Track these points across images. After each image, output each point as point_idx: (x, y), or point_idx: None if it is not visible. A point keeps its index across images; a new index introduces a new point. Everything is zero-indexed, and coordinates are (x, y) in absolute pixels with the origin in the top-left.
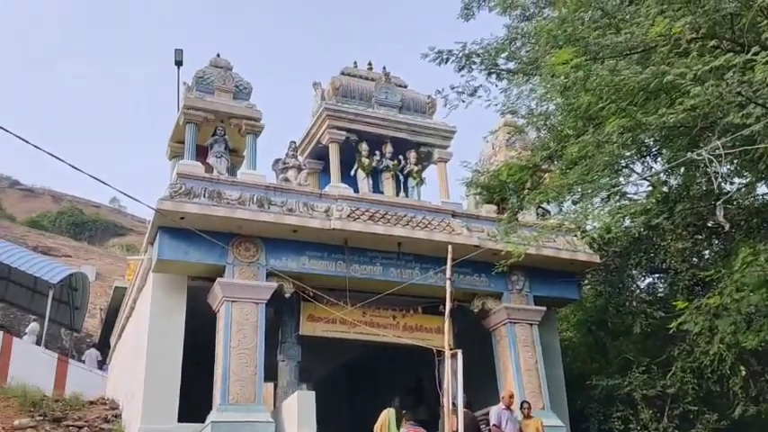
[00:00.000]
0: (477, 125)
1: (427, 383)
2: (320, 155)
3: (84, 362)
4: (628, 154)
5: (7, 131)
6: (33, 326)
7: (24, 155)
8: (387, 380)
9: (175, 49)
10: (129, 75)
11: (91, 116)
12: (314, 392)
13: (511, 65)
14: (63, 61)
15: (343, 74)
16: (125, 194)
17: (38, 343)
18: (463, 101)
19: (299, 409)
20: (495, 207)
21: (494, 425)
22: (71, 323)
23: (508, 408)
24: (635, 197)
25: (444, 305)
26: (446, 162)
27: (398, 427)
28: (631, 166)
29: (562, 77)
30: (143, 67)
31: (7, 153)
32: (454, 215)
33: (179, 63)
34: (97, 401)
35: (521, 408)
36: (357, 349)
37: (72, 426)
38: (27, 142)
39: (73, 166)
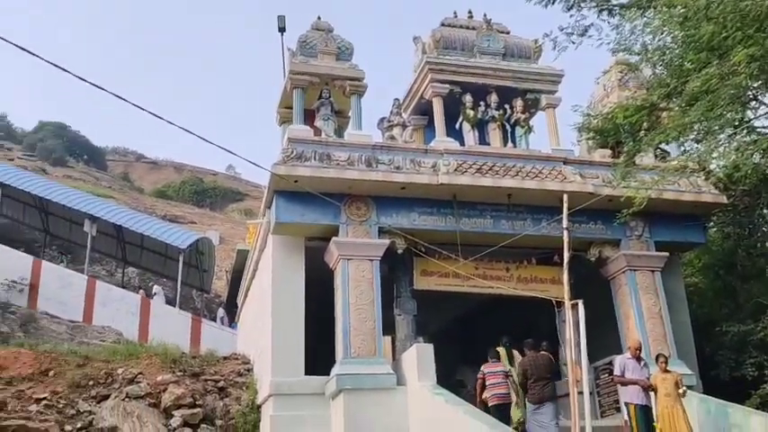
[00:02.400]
0: (585, 67)
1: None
2: (424, 110)
3: (215, 320)
4: (756, 85)
5: (142, 109)
6: (157, 288)
7: (147, 129)
8: (501, 331)
9: (278, 16)
10: (234, 43)
11: (201, 89)
12: (431, 345)
13: None
14: (169, 32)
15: (443, 25)
16: (249, 161)
17: (167, 303)
18: (573, 42)
19: (419, 360)
20: (609, 151)
21: (616, 374)
22: (201, 285)
23: (635, 358)
24: (765, 131)
25: (560, 255)
26: (555, 108)
27: (510, 362)
28: (760, 97)
29: (680, 8)
30: (247, 34)
31: (132, 129)
32: (566, 162)
33: (282, 30)
34: (230, 357)
35: (656, 361)
36: (471, 302)
37: (209, 380)
38: (160, 118)
39: (203, 139)
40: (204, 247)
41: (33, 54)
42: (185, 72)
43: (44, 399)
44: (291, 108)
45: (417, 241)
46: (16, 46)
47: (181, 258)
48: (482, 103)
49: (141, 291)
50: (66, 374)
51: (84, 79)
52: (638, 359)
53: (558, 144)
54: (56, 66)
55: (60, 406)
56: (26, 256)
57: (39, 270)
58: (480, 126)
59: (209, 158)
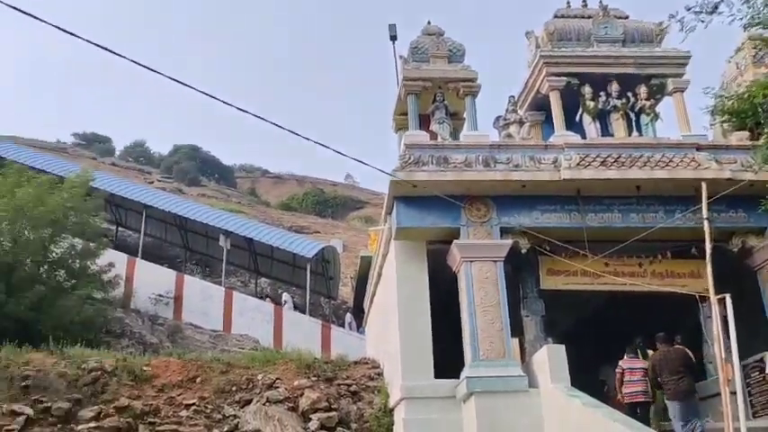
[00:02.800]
0: (713, 47)
1: (682, 331)
2: (541, 105)
3: (343, 326)
4: None
5: (280, 127)
6: (286, 296)
7: (269, 145)
8: (636, 330)
9: (389, 25)
10: (347, 57)
11: (316, 101)
12: (563, 345)
13: None
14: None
15: (556, 17)
16: (373, 167)
17: (295, 310)
18: (702, 21)
19: (550, 362)
20: (747, 134)
21: None
22: (328, 292)
23: None
24: None
25: (698, 248)
26: (683, 91)
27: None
28: None
29: None
30: (358, 47)
31: (257, 145)
32: (699, 148)
33: (393, 38)
34: (360, 361)
35: None
36: (602, 300)
37: (342, 384)
38: (296, 134)
39: (339, 152)
40: (329, 255)
41: (177, 80)
42: (298, 85)
43: (193, 404)
44: (406, 114)
45: (542, 239)
46: (159, 73)
47: (308, 267)
48: (602, 93)
49: (268, 299)
50: (212, 381)
51: (227, 102)
52: None
53: (689, 130)
54: (207, 94)
55: (208, 411)
56: (170, 271)
57: (182, 284)
58: (602, 117)
59: (328, 170)
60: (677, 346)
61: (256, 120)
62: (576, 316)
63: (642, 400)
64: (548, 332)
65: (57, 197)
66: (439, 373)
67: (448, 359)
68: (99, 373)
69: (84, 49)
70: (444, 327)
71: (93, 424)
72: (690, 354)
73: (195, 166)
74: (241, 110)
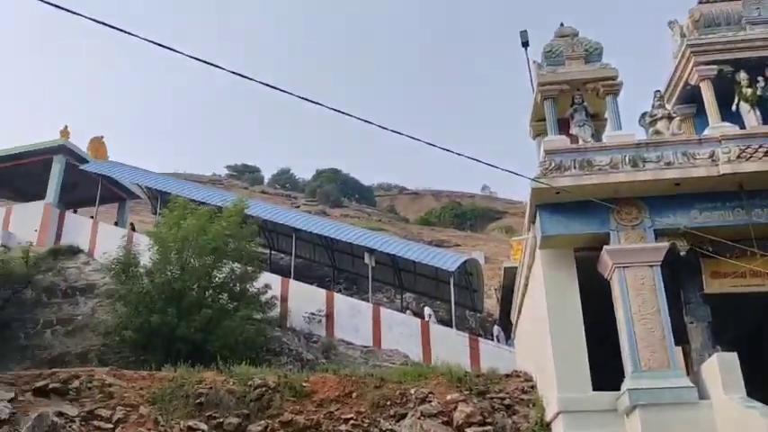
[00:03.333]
0: None
1: None
2: (690, 97)
3: (491, 339)
4: None
5: (420, 141)
6: (428, 310)
7: (404, 163)
8: None
9: (520, 32)
10: (479, 67)
11: (447, 114)
12: (735, 353)
13: None
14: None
15: (701, 2)
16: (520, 175)
17: (439, 323)
18: None
19: (722, 371)
20: None
21: None
22: (472, 305)
23: None
24: None
25: None
26: None
27: None
28: None
29: None
30: (488, 58)
31: (394, 163)
32: None
33: (525, 44)
34: (512, 374)
35: None
36: None
37: (495, 398)
38: (438, 147)
39: (478, 160)
40: (472, 267)
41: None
42: (430, 99)
43: (351, 419)
44: (544, 120)
45: (703, 240)
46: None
47: (451, 281)
48: (760, 78)
49: (408, 311)
50: (367, 396)
51: (367, 120)
52: None
53: None
54: (347, 113)
55: (365, 425)
56: (320, 290)
57: (332, 301)
58: (762, 104)
59: (464, 183)
60: None
61: (391, 138)
62: (749, 321)
63: None
64: (716, 340)
65: (217, 226)
66: (595, 386)
67: (605, 371)
68: (264, 389)
69: (224, 82)
70: (599, 336)
71: None
72: None
73: (337, 189)
74: (380, 126)
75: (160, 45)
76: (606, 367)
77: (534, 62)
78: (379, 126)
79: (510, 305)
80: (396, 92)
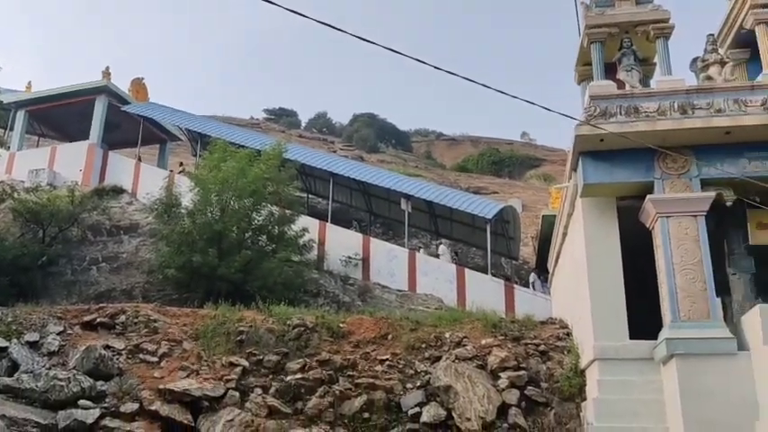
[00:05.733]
0: None
1: None
2: (745, 42)
3: (527, 286)
4: None
5: (465, 78)
6: (442, 248)
7: (443, 109)
8: None
9: None
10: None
11: (496, 58)
12: None
13: None
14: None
15: None
16: (566, 116)
17: (453, 261)
18: None
19: (764, 323)
20: None
21: None
22: (508, 252)
23: None
24: None
25: None
26: None
27: None
28: None
29: None
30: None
31: (431, 110)
32: None
33: None
34: (547, 321)
35: None
36: None
37: (530, 344)
38: (504, 93)
39: (521, 99)
40: (509, 215)
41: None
42: (472, 41)
43: (386, 360)
44: (590, 65)
45: (751, 190)
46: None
47: (488, 228)
48: None
49: (421, 249)
50: (402, 338)
51: (425, 63)
52: None
53: None
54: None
55: (400, 366)
56: (357, 234)
57: (368, 246)
58: None
59: (503, 129)
60: None
61: (429, 83)
62: None
63: None
64: (760, 292)
65: (256, 169)
66: (632, 336)
67: (641, 321)
68: (302, 329)
69: (260, 24)
70: (636, 287)
71: (299, 375)
72: None
73: (373, 134)
74: (422, 62)
75: None
76: (644, 319)
77: (582, 3)
78: (427, 64)
79: (546, 253)
80: (436, 33)
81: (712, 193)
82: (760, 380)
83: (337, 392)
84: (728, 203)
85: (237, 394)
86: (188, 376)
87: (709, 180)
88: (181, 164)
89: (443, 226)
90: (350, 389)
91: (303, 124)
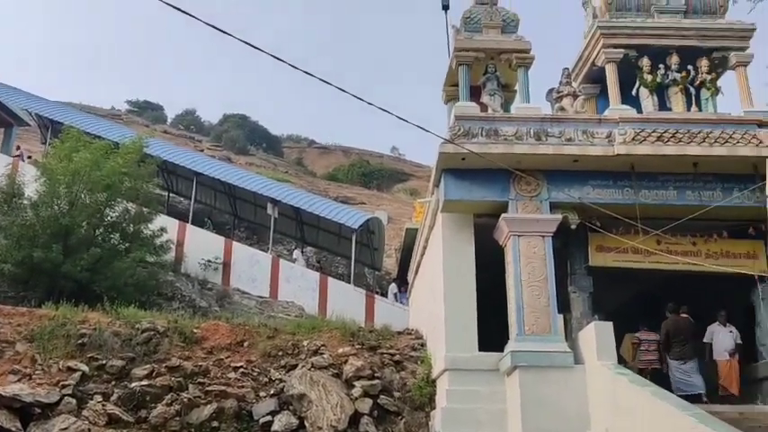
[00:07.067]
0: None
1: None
2: (596, 78)
3: (390, 297)
4: None
5: (340, 90)
6: (297, 252)
7: (316, 116)
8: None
9: None
10: (398, 25)
11: (365, 69)
12: (611, 323)
13: None
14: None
15: None
16: (429, 131)
17: (308, 267)
18: None
19: (598, 339)
20: None
21: None
22: (372, 263)
23: None
24: None
25: (755, 228)
26: (746, 66)
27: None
28: None
29: None
30: (411, 16)
31: (304, 116)
32: (761, 125)
33: (446, 7)
34: (404, 332)
35: None
36: (653, 279)
37: (386, 353)
38: (355, 96)
39: (389, 112)
40: (374, 226)
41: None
42: (348, 57)
43: (240, 367)
44: (457, 86)
45: (592, 215)
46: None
47: (353, 237)
48: (661, 66)
49: (272, 253)
50: (258, 345)
51: (296, 67)
52: None
53: (752, 105)
54: (277, 58)
55: (255, 374)
56: (219, 237)
57: (230, 250)
58: (660, 91)
59: (374, 142)
60: (683, 315)
61: (305, 89)
62: (626, 294)
63: (657, 366)
64: (595, 309)
65: (112, 162)
66: (482, 348)
67: (491, 334)
68: (152, 333)
69: (130, 11)
70: (488, 302)
71: (145, 382)
72: (693, 322)
73: (244, 135)
74: (304, 71)
75: None
76: (495, 332)
77: (453, 26)
78: (299, 69)
79: (408, 265)
80: (312, 42)
81: (559, 216)
82: (592, 392)
83: (185, 400)
84: (573, 226)
85: (74, 401)
86: (19, 380)
87: (558, 203)
88: (18, 147)
89: (310, 233)
90: (199, 396)
91: (170, 120)
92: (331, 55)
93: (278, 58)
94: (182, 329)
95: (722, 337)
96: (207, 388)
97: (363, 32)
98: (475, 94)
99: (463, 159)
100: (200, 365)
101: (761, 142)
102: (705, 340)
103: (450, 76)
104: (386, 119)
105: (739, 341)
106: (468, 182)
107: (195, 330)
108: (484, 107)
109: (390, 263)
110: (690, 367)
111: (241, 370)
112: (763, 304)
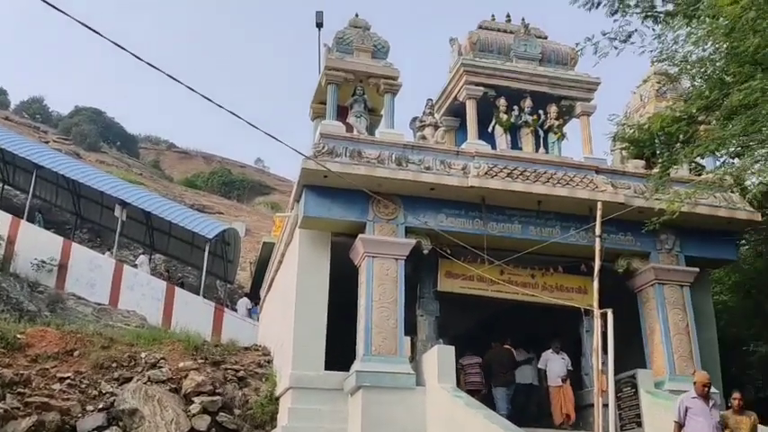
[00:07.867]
0: (621, 77)
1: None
2: (457, 112)
3: (237, 310)
4: None
5: (204, 97)
6: (141, 258)
7: (178, 119)
8: (522, 338)
9: (316, 12)
10: (271, 39)
11: (235, 79)
12: (453, 347)
13: (670, 6)
14: (209, 26)
15: (480, 28)
16: (290, 147)
17: (153, 274)
18: (615, 47)
19: (439, 362)
20: (642, 162)
21: (675, 420)
22: (225, 275)
23: (702, 397)
24: None
25: (587, 265)
26: (589, 115)
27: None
28: None
29: (726, 19)
30: (284, 31)
31: (165, 118)
32: (598, 171)
33: (320, 25)
34: (251, 347)
35: (728, 404)
36: (495, 307)
37: (230, 369)
38: (234, 114)
39: (257, 128)
40: (230, 237)
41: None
42: (215, 64)
43: (68, 378)
44: (325, 104)
45: (444, 242)
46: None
47: (207, 248)
48: (516, 107)
49: (108, 253)
50: (91, 355)
51: (155, 66)
52: (706, 398)
53: (591, 152)
54: (138, 57)
55: (83, 386)
56: (57, 237)
57: (68, 251)
58: (513, 131)
59: (237, 152)
60: (505, 346)
61: (165, 90)
62: (470, 320)
63: (479, 388)
64: (440, 333)
65: None
66: (329, 366)
67: (339, 353)
68: None
69: None
70: (340, 320)
71: None
72: (514, 353)
73: (96, 131)
74: (168, 75)
75: None
76: (343, 350)
77: (325, 45)
78: (160, 70)
79: (262, 280)
80: (179, 44)
81: (413, 241)
82: (431, 413)
83: (1, 411)
84: (425, 251)
85: None
86: None
87: (413, 228)
88: None
89: (160, 240)
90: (18, 408)
91: (12, 106)
92: (197, 60)
93: (140, 59)
94: (3, 334)
95: (555, 364)
96: (27, 399)
97: (233, 41)
98: (342, 113)
99: (325, 177)
100: (22, 374)
101: (597, 187)
102: (539, 366)
103: (318, 93)
104: (252, 129)
105: (570, 368)
106: (328, 200)
107: (19, 336)
108: (350, 128)
109: (245, 276)
110: (509, 393)
111: (68, 381)
112: (587, 336)
